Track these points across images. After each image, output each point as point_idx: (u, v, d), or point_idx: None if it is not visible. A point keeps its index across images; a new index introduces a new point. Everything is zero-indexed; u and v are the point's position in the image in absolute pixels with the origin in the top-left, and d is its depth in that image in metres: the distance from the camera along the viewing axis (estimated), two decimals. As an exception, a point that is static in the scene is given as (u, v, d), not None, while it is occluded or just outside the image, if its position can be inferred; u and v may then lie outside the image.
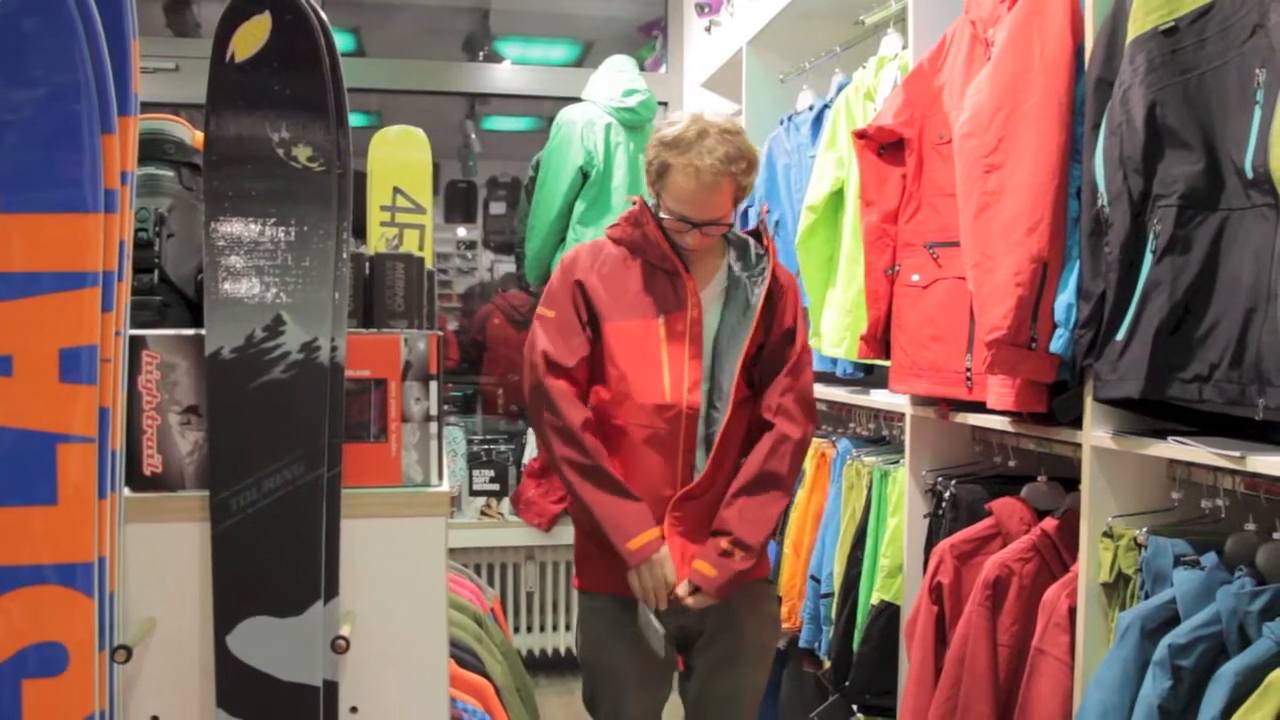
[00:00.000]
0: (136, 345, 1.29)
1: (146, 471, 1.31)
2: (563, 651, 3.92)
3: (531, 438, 3.83)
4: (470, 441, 3.88)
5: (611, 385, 1.95)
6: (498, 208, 5.17)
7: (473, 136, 5.49)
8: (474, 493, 3.75)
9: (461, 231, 5.58)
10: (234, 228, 1.27)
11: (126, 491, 1.28)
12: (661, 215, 1.94)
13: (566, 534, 3.72)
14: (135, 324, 1.30)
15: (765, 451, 1.94)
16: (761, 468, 1.93)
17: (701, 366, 1.95)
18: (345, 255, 1.32)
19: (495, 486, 3.72)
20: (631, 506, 1.89)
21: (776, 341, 2.00)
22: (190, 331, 1.32)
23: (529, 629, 3.90)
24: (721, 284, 2.00)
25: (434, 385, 1.36)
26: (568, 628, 3.90)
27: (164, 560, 1.30)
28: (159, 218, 1.49)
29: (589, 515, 1.90)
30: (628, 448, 1.94)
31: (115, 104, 1.18)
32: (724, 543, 1.90)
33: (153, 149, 1.54)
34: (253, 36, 1.25)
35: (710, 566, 1.90)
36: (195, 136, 1.61)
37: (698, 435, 1.95)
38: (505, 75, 4.56)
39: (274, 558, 1.26)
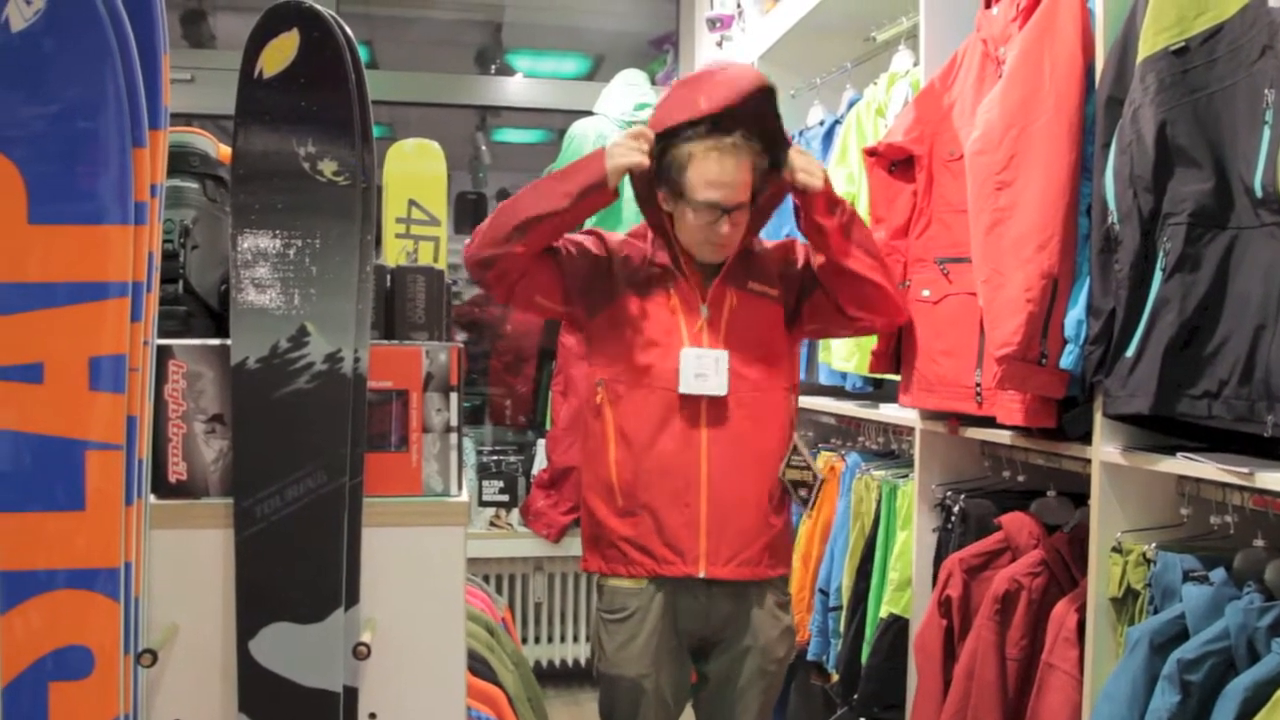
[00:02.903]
0: (163, 354, 1.31)
1: (171, 479, 1.33)
2: (570, 663, 3.93)
3: (541, 448, 3.84)
4: (480, 452, 3.90)
5: (630, 353, 1.98)
6: (507, 219, 5.18)
7: (483, 148, 5.53)
8: (483, 503, 3.77)
9: (470, 242, 5.60)
10: (260, 240, 1.29)
11: (152, 498, 1.30)
12: (690, 213, 1.94)
13: (575, 545, 3.71)
14: (160, 333, 1.32)
15: None
16: None
17: (718, 331, 1.98)
18: (368, 268, 1.34)
19: (504, 497, 3.73)
20: (554, 175, 1.97)
21: (802, 275, 2.07)
22: (216, 341, 1.34)
23: (537, 640, 3.90)
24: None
25: (454, 396, 1.38)
26: (576, 639, 3.91)
27: (188, 566, 1.31)
28: (184, 229, 1.52)
29: (552, 199, 1.92)
30: (649, 423, 1.96)
31: (146, 118, 1.21)
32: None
33: (177, 161, 1.56)
34: (281, 53, 1.27)
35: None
36: (219, 149, 1.64)
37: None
38: (516, 88, 4.59)
39: (296, 565, 1.28)
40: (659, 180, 1.98)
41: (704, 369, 1.94)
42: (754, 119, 1.93)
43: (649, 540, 1.96)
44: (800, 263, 2.09)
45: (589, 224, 3.60)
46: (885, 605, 2.38)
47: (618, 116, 3.69)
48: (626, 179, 1.98)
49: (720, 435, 1.96)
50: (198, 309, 1.51)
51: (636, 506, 1.97)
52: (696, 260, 2.01)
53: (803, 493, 2.05)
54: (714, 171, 1.91)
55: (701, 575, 1.95)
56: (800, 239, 2.11)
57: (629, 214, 3.59)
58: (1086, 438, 1.78)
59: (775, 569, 2.03)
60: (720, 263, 2.02)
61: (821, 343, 2.77)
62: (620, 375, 1.99)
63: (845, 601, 2.55)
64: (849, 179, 2.64)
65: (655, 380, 1.96)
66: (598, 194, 1.92)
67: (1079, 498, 1.97)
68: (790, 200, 2.04)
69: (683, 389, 1.94)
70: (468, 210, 5.35)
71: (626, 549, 1.98)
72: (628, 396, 1.98)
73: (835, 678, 2.58)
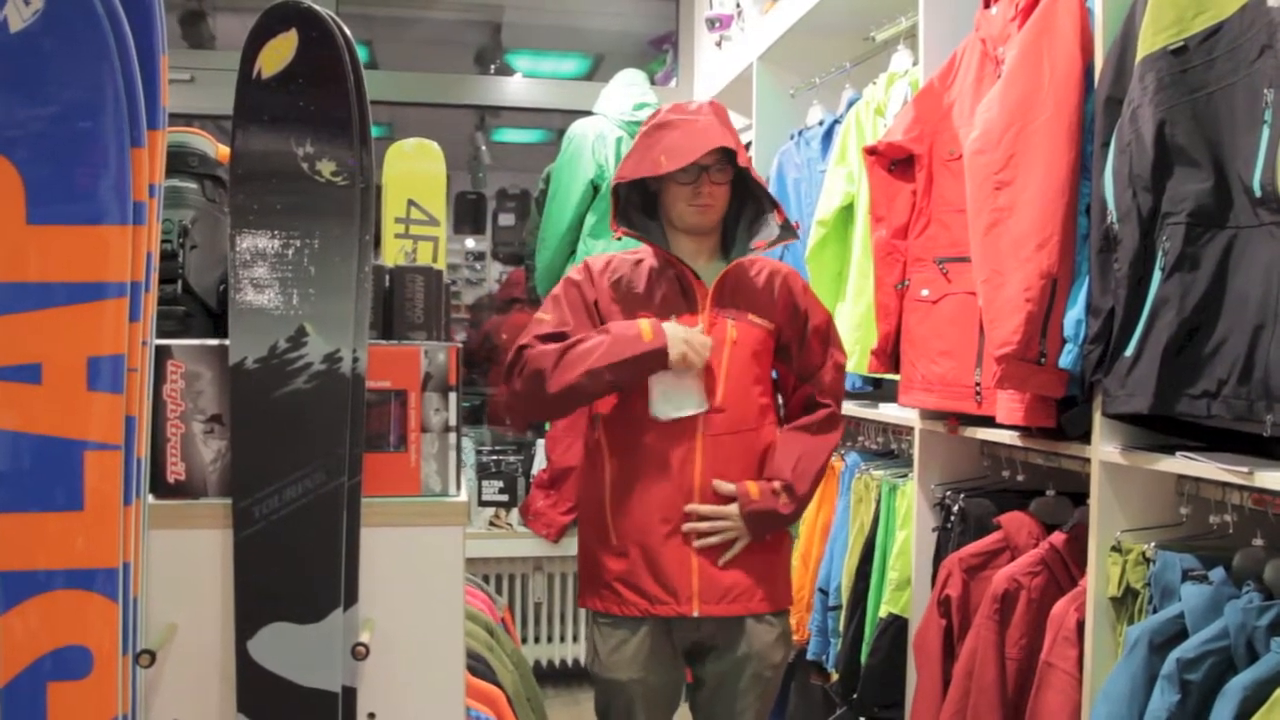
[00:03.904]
0: (162, 355, 1.31)
1: (170, 479, 1.32)
2: (570, 663, 3.93)
3: (540, 448, 3.84)
4: (479, 452, 3.90)
5: (626, 399, 1.97)
6: (506, 219, 5.20)
7: (482, 148, 5.53)
8: (483, 503, 3.77)
9: (470, 243, 5.61)
10: (258, 241, 1.29)
11: (150, 498, 1.30)
12: (672, 186, 1.97)
13: (574, 545, 3.72)
14: (159, 333, 1.32)
15: (813, 417, 2.04)
16: (809, 421, 2.03)
17: (718, 366, 1.96)
18: (367, 268, 1.34)
19: (504, 497, 3.73)
20: (609, 334, 1.90)
21: (795, 333, 2.04)
22: (215, 342, 1.34)
23: (536, 640, 3.91)
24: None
25: (453, 396, 1.38)
26: (575, 639, 3.91)
27: (186, 566, 1.31)
28: (183, 229, 1.52)
29: (603, 372, 1.88)
30: (642, 453, 1.95)
31: (145, 118, 1.21)
32: (777, 484, 1.95)
33: (176, 162, 1.56)
34: (279, 53, 1.27)
35: (757, 490, 1.94)
36: (218, 149, 1.64)
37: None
38: (516, 88, 4.59)
39: (295, 565, 1.28)
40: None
41: (669, 388, 1.92)
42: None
43: (642, 579, 1.95)
44: (803, 326, 2.06)
45: (585, 237, 3.64)
46: (885, 605, 2.38)
47: (617, 116, 3.69)
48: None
49: (715, 473, 1.94)
50: (196, 309, 1.51)
51: (630, 545, 1.96)
52: (696, 272, 2.01)
53: None
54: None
55: (695, 615, 1.95)
56: (802, 275, 2.16)
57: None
58: (1086, 437, 1.78)
59: (771, 605, 2.01)
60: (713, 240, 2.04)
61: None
62: (616, 412, 1.99)
63: (845, 601, 2.55)
64: (848, 178, 2.64)
65: (650, 422, 1.94)
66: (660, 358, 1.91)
67: (1078, 497, 1.97)
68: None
69: (654, 414, 1.92)
70: (468, 210, 5.37)
71: (620, 588, 1.97)
72: (623, 434, 1.97)
73: (835, 677, 2.58)
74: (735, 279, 2.02)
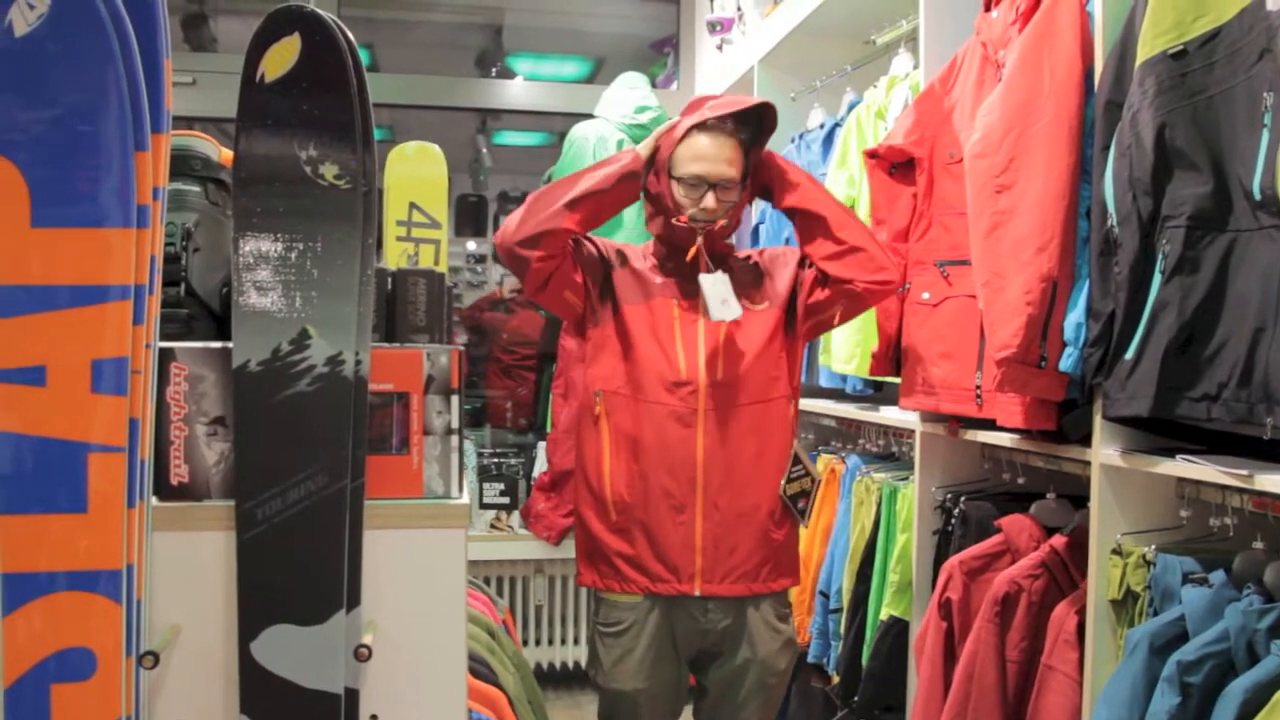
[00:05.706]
0: (165, 357, 1.32)
1: (173, 481, 1.33)
2: (571, 665, 3.93)
3: (541, 451, 3.84)
4: (480, 455, 3.90)
5: (629, 365, 1.98)
6: (508, 222, 5.18)
7: (484, 151, 5.54)
8: (484, 506, 3.77)
9: (471, 245, 5.62)
10: (262, 244, 1.29)
11: (154, 500, 1.30)
12: (677, 191, 1.98)
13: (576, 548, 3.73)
14: (162, 336, 1.32)
15: None
16: None
17: (717, 354, 1.97)
18: (370, 271, 1.34)
19: (505, 500, 3.74)
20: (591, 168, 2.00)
21: (796, 281, 2.07)
22: (218, 344, 1.34)
23: (537, 642, 3.91)
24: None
25: (455, 399, 1.39)
26: (576, 641, 3.91)
27: (190, 568, 1.32)
28: (185, 232, 1.52)
29: (594, 181, 1.96)
30: (645, 437, 1.95)
31: (148, 122, 1.21)
32: None
33: (179, 165, 1.56)
34: (282, 57, 1.28)
35: None
36: (221, 153, 1.64)
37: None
38: (517, 91, 4.60)
39: (297, 567, 1.28)
40: (656, 174, 2.02)
41: (721, 294, 1.97)
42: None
43: (643, 557, 1.95)
44: (794, 264, 2.09)
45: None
46: (885, 607, 2.38)
47: (618, 119, 3.69)
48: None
49: (718, 449, 1.94)
50: (199, 312, 1.52)
51: (630, 522, 1.96)
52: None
53: (801, 504, 2.04)
54: (698, 146, 1.97)
55: (697, 594, 1.95)
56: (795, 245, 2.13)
57: (630, 217, 3.62)
58: (1086, 440, 1.78)
59: (776, 583, 2.02)
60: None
61: (822, 345, 2.78)
62: (618, 388, 1.99)
63: (846, 604, 2.55)
64: (849, 182, 2.64)
65: (652, 395, 1.95)
66: (633, 179, 1.97)
67: (1079, 500, 1.97)
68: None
69: (714, 317, 1.96)
70: (469, 213, 5.37)
71: (621, 565, 1.97)
72: (624, 409, 1.97)
73: (836, 680, 2.58)
74: (732, 270, 2.04)
